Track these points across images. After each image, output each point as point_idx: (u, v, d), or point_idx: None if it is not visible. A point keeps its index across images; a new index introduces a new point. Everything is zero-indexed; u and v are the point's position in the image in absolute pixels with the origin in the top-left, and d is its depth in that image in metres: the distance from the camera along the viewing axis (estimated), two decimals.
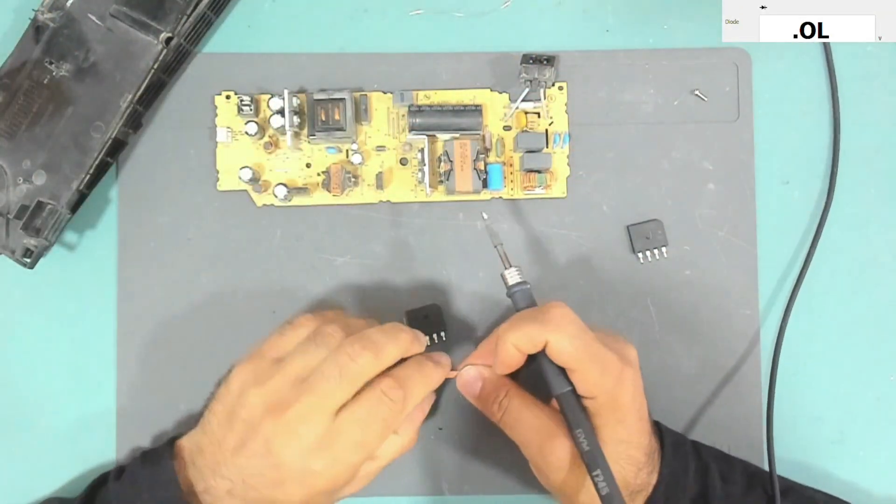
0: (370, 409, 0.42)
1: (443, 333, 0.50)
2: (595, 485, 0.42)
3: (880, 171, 0.52)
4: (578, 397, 0.43)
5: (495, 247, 0.46)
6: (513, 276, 0.45)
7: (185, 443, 0.46)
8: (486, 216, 0.48)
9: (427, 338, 0.47)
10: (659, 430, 0.47)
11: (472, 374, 0.46)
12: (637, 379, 0.44)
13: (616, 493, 0.41)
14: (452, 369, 0.47)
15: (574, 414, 0.43)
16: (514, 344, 0.43)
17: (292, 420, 0.42)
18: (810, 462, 0.48)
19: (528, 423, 0.45)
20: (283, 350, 0.45)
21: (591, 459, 0.42)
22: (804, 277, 0.51)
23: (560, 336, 0.42)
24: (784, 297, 0.51)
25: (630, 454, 0.43)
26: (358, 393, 0.43)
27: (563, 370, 0.43)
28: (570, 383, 0.43)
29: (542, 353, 0.43)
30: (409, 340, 0.45)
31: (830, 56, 0.51)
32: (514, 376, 0.46)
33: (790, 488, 0.48)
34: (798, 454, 0.48)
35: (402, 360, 0.45)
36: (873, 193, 0.52)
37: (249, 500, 0.43)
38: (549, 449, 0.44)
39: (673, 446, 0.46)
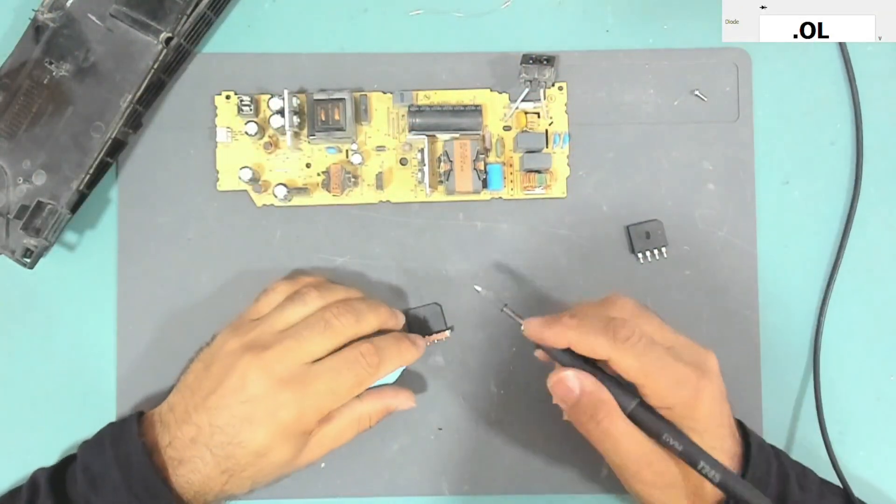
0: (346, 363, 0.44)
1: (447, 333, 0.50)
2: (705, 476, 0.40)
3: (884, 171, 0.52)
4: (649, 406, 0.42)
5: (501, 311, 0.45)
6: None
7: (156, 409, 0.47)
8: (479, 289, 0.48)
9: (403, 317, 0.49)
10: (744, 430, 0.45)
11: (571, 382, 0.42)
12: (716, 388, 0.42)
13: (728, 472, 0.40)
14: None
15: (651, 422, 0.42)
16: (575, 348, 0.42)
17: (270, 358, 0.43)
18: (810, 462, 0.48)
19: (627, 448, 0.42)
20: (262, 314, 0.47)
21: (690, 456, 0.41)
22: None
23: (625, 355, 0.41)
24: (784, 296, 0.51)
25: None
26: (335, 352, 0.45)
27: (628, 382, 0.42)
28: (637, 395, 0.42)
29: (604, 369, 0.42)
30: (387, 314, 0.47)
31: (847, 55, 0.51)
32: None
33: None
34: (798, 454, 0.48)
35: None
36: (874, 194, 0.51)
37: (214, 444, 0.43)
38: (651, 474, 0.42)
39: (758, 449, 0.44)
